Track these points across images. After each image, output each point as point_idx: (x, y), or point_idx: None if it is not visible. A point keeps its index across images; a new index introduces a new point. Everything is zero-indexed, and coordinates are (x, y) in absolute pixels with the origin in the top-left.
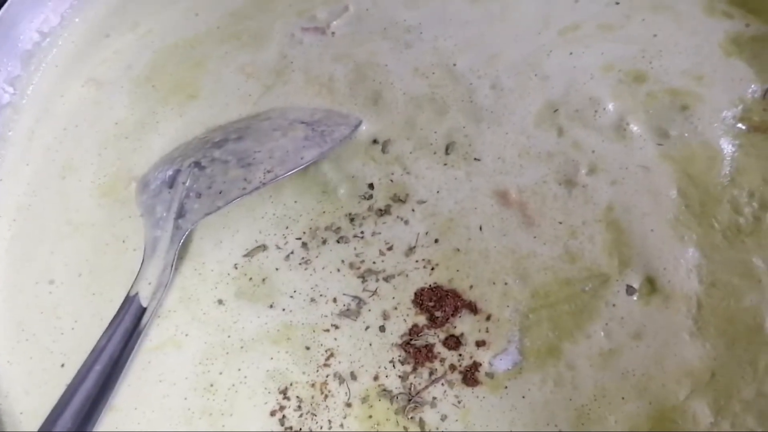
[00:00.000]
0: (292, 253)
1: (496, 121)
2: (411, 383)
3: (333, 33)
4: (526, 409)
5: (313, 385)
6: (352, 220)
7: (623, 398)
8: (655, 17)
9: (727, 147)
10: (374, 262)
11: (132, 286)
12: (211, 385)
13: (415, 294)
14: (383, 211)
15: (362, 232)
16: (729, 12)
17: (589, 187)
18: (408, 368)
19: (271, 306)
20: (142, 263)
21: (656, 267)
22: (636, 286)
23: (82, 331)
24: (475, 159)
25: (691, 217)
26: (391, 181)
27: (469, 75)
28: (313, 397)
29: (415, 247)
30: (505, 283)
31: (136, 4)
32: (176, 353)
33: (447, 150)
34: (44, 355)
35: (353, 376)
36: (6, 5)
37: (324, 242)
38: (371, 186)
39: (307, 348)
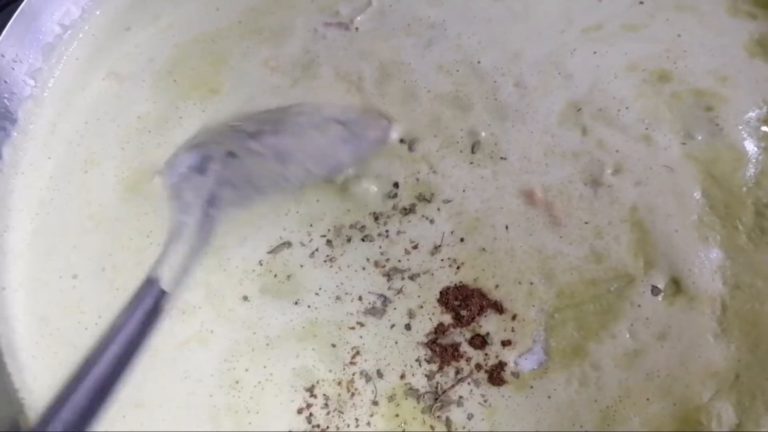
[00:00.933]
0: (317, 250)
1: (521, 119)
2: (437, 382)
3: (357, 29)
4: (551, 409)
5: (339, 383)
6: (376, 218)
7: (648, 399)
8: (679, 17)
9: (751, 149)
10: (399, 261)
11: (152, 269)
12: (237, 382)
13: (441, 293)
14: (408, 210)
15: (387, 231)
16: (753, 12)
17: (614, 188)
18: (434, 367)
19: (297, 303)
20: (164, 247)
21: (681, 268)
22: (661, 286)
23: (107, 326)
24: (501, 158)
25: (716, 219)
26: (417, 180)
27: (493, 73)
28: (339, 395)
29: (440, 246)
30: (531, 283)
31: None
32: (202, 350)
33: (473, 149)
34: (68, 350)
35: (379, 374)
36: None
37: (349, 240)
38: (396, 185)
39: (333, 345)
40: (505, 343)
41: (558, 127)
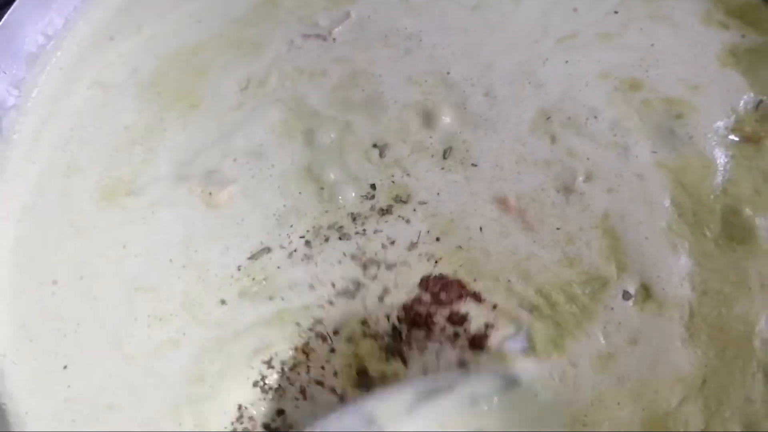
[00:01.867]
0: (295, 251)
1: (491, 128)
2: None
3: (334, 39)
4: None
5: (295, 348)
6: (354, 219)
7: (619, 404)
8: (652, 26)
9: (720, 157)
10: (376, 254)
11: None
12: (202, 377)
13: (421, 279)
14: (385, 211)
15: (364, 230)
16: (726, 23)
17: (586, 195)
18: (404, 328)
19: (271, 298)
20: None
21: (651, 274)
22: (632, 291)
23: (84, 334)
24: (472, 164)
25: (685, 226)
26: (393, 182)
27: (462, 83)
28: (295, 358)
29: (417, 243)
30: (508, 281)
31: (140, 7)
32: (173, 353)
33: (445, 154)
34: (48, 356)
35: (336, 332)
36: (11, 9)
37: (326, 240)
38: (373, 186)
39: (298, 324)
40: (488, 326)
41: (529, 135)
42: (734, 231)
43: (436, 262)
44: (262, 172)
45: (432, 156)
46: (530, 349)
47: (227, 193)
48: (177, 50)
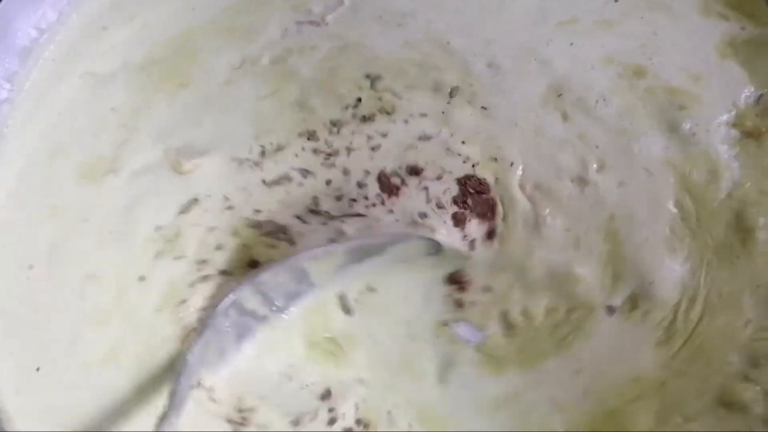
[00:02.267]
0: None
1: (501, 93)
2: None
3: (327, 24)
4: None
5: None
6: (334, 124)
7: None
8: (653, 16)
9: (724, 155)
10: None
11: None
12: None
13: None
14: (367, 118)
15: (339, 131)
16: (725, 14)
17: (600, 187)
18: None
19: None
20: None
21: (645, 281)
22: (618, 304)
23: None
24: (482, 107)
25: (687, 231)
26: (380, 99)
27: (464, 52)
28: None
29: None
30: None
31: None
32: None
33: (451, 93)
34: (27, 352)
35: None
36: (3, 2)
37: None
38: (359, 99)
39: None
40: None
41: (540, 108)
42: (736, 239)
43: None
44: None
45: (435, 91)
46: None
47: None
48: (169, 38)
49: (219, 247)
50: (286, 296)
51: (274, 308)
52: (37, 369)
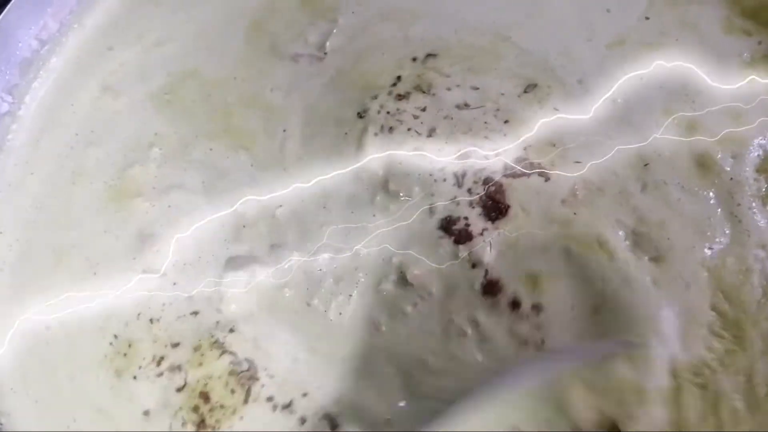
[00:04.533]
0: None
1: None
2: None
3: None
4: None
5: None
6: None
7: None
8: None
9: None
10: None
11: None
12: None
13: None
14: (403, 96)
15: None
16: (747, 29)
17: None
18: None
19: None
20: None
21: None
22: None
23: None
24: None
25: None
26: (419, 76)
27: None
28: None
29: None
30: None
31: (139, 15)
32: None
33: (526, 90)
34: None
35: None
36: (3, 12)
37: None
38: (399, 78)
39: None
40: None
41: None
42: None
43: None
44: None
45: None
46: None
47: None
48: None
49: None
50: None
51: None
52: None
